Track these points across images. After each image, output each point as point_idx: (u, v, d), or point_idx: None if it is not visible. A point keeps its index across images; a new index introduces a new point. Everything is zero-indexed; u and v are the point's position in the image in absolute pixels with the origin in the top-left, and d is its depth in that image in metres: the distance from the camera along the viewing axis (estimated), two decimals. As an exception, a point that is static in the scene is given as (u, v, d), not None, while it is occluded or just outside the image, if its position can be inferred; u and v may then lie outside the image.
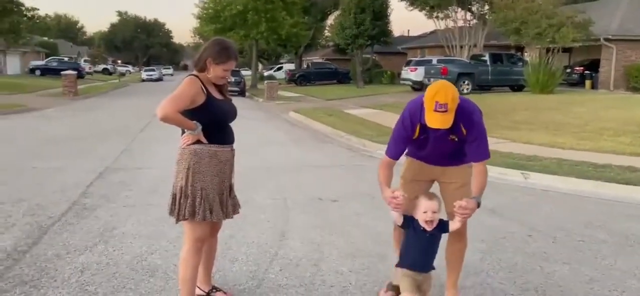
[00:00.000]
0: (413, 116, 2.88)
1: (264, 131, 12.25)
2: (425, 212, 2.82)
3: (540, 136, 9.96)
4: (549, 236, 4.64)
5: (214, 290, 3.24)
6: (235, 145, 3.08)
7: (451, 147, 2.92)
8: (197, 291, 3.15)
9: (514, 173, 7.01)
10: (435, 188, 3.14)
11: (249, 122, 13.24)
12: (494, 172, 6.58)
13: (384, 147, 3.08)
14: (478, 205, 2.82)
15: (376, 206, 5.25)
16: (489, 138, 2.94)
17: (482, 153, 2.88)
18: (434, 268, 2.95)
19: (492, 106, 14.62)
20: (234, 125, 3.08)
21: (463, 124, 2.81)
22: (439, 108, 2.65)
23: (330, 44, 45.57)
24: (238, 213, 3.15)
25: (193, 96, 2.78)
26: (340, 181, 6.86)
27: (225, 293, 3.25)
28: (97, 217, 4.97)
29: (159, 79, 47.50)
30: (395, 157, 2.98)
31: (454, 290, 3.23)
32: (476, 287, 3.51)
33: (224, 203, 2.94)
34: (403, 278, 2.87)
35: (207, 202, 2.83)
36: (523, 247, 4.36)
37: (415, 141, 2.95)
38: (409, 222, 2.90)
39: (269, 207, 5.47)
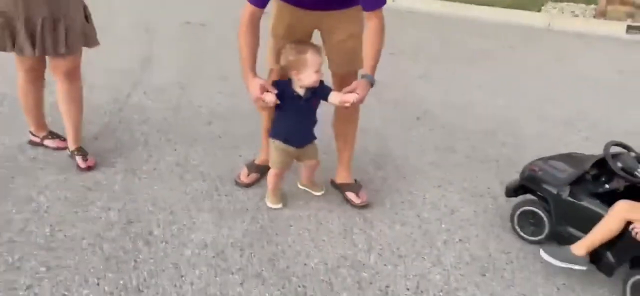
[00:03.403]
0: None
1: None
2: (317, 72, 2.13)
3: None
4: (411, 55, 4.91)
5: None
6: None
7: None
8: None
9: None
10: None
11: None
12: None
13: None
14: (371, 85, 2.16)
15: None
16: None
17: None
18: (314, 138, 2.38)
19: None
20: None
21: None
22: None
23: None
24: (77, 52, 2.54)
25: None
26: (209, 4, 6.48)
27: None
28: None
29: None
30: (261, 3, 2.12)
31: (346, 172, 2.56)
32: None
33: (36, 35, 2.36)
34: (274, 151, 2.34)
35: (7, 30, 2.33)
36: (387, 67, 4.56)
37: None
38: (280, 91, 2.19)
39: (130, 32, 5.05)
